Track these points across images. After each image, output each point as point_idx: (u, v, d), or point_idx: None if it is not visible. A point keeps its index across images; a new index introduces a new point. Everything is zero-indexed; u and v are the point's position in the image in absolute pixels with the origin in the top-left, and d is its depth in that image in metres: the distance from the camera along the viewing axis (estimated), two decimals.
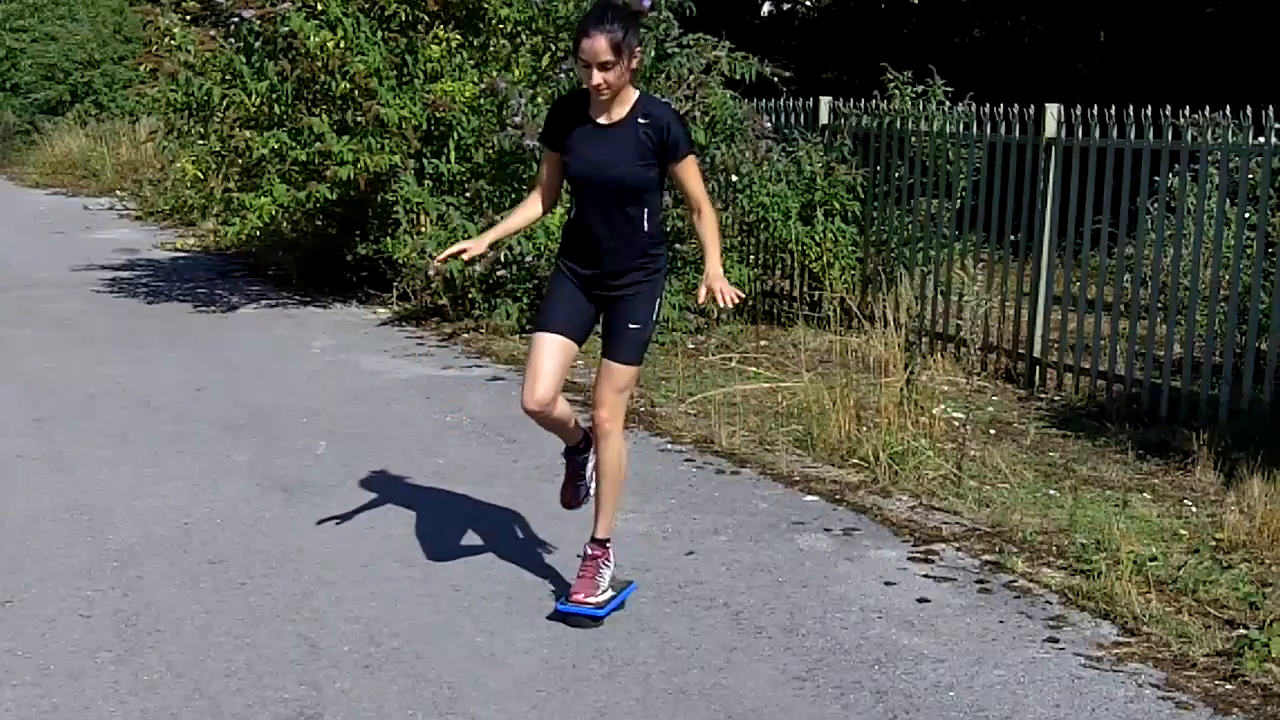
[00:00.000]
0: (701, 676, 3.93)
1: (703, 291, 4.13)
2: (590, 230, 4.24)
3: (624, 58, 4.00)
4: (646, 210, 4.20)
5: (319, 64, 9.68)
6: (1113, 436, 6.63)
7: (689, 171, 4.18)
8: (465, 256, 4.29)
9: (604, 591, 4.30)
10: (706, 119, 8.99)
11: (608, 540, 4.39)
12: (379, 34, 9.93)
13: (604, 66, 3.98)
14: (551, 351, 4.25)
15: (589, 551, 4.37)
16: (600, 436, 4.27)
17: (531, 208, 4.39)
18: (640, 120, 4.11)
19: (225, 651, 4.02)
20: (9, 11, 24.69)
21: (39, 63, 24.33)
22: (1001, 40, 18.68)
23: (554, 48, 9.65)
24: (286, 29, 9.62)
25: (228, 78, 10.00)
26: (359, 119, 9.80)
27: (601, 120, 4.15)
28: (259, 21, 9.74)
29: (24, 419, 6.84)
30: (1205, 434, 6.25)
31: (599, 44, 3.96)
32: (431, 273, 9.21)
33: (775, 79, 9.50)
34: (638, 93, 4.18)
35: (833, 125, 9.78)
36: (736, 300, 4.10)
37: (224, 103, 9.98)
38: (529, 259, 8.77)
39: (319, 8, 9.73)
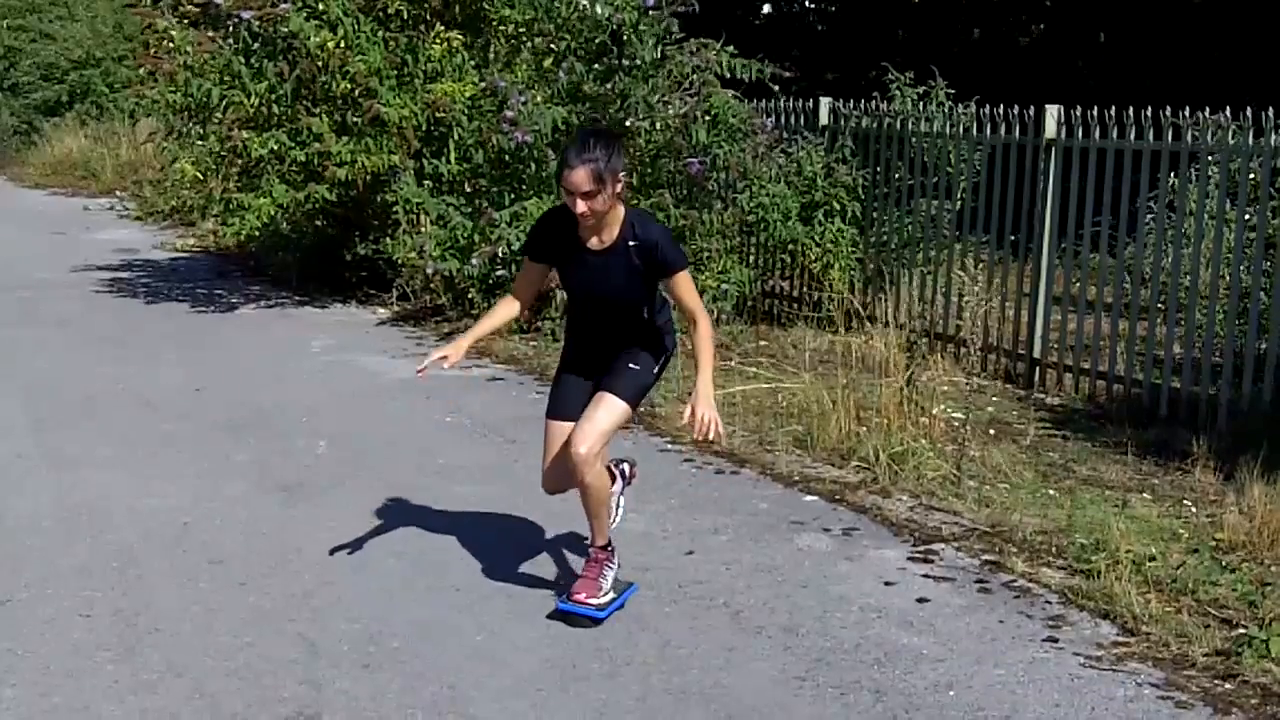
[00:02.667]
0: (701, 676, 3.93)
1: (687, 411, 4.08)
2: (591, 333, 4.33)
3: (607, 185, 4.01)
4: (647, 309, 4.27)
5: (319, 64, 9.68)
6: (1112, 437, 6.62)
7: (682, 288, 4.18)
8: (447, 365, 4.20)
9: (606, 593, 4.31)
10: (709, 118, 9.01)
11: (609, 543, 4.41)
12: (380, 34, 9.93)
13: (587, 196, 4.01)
14: (562, 436, 4.30)
15: (593, 553, 4.38)
16: (576, 468, 4.16)
17: (507, 309, 4.37)
18: (630, 243, 4.13)
19: (225, 651, 4.02)
20: (8, 8, 24.66)
21: (37, 62, 24.32)
22: (1001, 41, 18.68)
23: (555, 49, 9.65)
24: (286, 30, 9.62)
25: (226, 78, 10.00)
26: (358, 119, 9.80)
27: (593, 245, 4.17)
28: (258, 23, 9.74)
29: (24, 419, 6.85)
30: (1205, 434, 6.25)
31: (579, 175, 3.98)
32: (430, 271, 9.22)
33: (775, 85, 9.51)
34: (624, 210, 4.17)
35: (833, 126, 9.78)
36: (718, 438, 4.07)
37: (223, 103, 9.98)
38: None
39: (320, 8, 9.73)
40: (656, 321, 4.33)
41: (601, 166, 3.98)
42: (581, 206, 4.02)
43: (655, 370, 4.35)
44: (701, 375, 4.14)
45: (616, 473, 4.62)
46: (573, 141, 4.11)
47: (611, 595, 4.34)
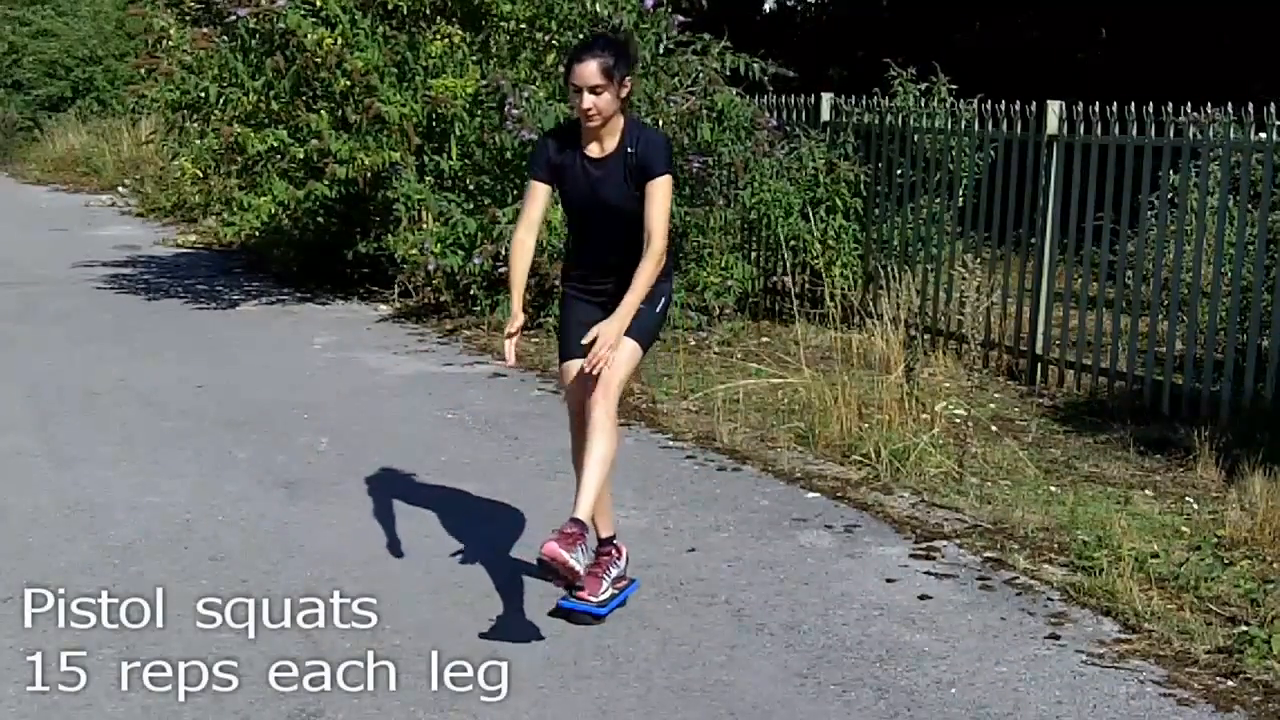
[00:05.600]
0: (703, 673, 3.93)
1: (591, 332, 4.00)
2: (594, 255, 4.27)
3: (614, 83, 4.05)
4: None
5: (317, 60, 9.66)
6: (1114, 433, 6.62)
7: (655, 195, 4.09)
8: (514, 328, 4.18)
9: (605, 590, 4.31)
10: (713, 116, 9.00)
11: (614, 537, 4.43)
12: (380, 29, 9.92)
13: (594, 90, 4.03)
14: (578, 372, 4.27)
15: (599, 552, 4.36)
16: (591, 409, 4.07)
17: (528, 249, 4.26)
18: (629, 149, 4.13)
19: (226, 648, 4.01)
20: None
21: (40, 59, 24.32)
22: (1003, 37, 18.65)
23: (558, 44, 9.64)
24: (283, 26, 9.61)
25: (224, 75, 9.98)
26: (358, 116, 9.78)
27: (593, 153, 4.17)
28: (254, 19, 9.72)
29: (25, 416, 6.84)
30: (1207, 430, 6.24)
31: (589, 68, 4.03)
32: (432, 268, 9.22)
33: (766, 78, 9.50)
34: (624, 120, 4.18)
35: (835, 122, 9.77)
36: (602, 365, 3.97)
37: (220, 101, 9.96)
38: None
39: (318, 4, 9.71)
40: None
41: (610, 64, 4.03)
42: (588, 101, 4.04)
43: (658, 309, 4.26)
44: (627, 299, 4.03)
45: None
46: (582, 41, 4.15)
47: (612, 592, 4.34)
